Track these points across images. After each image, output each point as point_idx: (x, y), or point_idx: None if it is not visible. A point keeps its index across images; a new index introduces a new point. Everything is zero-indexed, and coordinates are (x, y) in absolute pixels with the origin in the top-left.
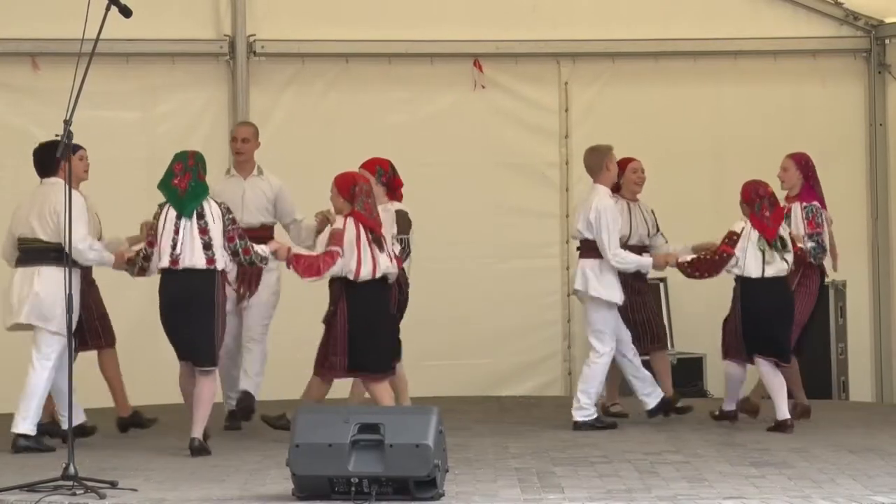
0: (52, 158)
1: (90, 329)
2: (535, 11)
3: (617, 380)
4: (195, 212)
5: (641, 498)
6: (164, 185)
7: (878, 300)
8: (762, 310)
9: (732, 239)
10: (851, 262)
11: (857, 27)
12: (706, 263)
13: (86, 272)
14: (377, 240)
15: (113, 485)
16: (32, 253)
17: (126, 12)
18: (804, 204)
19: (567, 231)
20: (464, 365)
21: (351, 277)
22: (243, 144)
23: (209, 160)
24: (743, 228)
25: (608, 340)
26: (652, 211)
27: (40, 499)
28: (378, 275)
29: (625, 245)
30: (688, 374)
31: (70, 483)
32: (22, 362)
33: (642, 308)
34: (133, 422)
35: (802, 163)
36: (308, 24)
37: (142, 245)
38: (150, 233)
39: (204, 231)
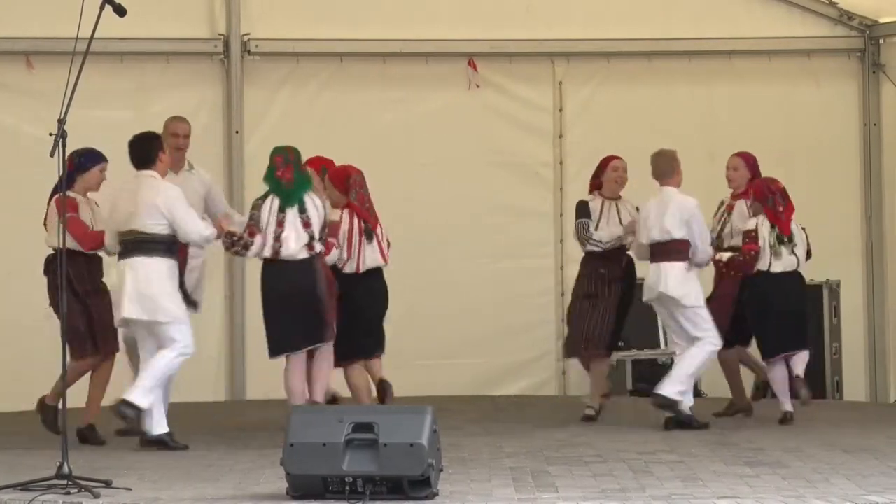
0: (149, 150)
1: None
2: (530, 11)
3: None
4: (298, 204)
5: (636, 497)
6: (269, 178)
7: (872, 300)
8: (769, 305)
9: (752, 236)
10: (845, 261)
11: (852, 27)
12: (740, 264)
13: (95, 278)
14: (368, 231)
15: (107, 484)
16: (131, 245)
17: (120, 11)
18: (748, 201)
19: (561, 230)
20: (458, 364)
21: (339, 267)
22: (185, 140)
23: (204, 160)
24: (757, 224)
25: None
26: (637, 208)
27: (34, 498)
28: (361, 270)
29: (620, 246)
30: None
31: (64, 482)
32: (16, 361)
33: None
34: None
35: (751, 162)
36: (302, 23)
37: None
38: (250, 222)
39: (307, 224)
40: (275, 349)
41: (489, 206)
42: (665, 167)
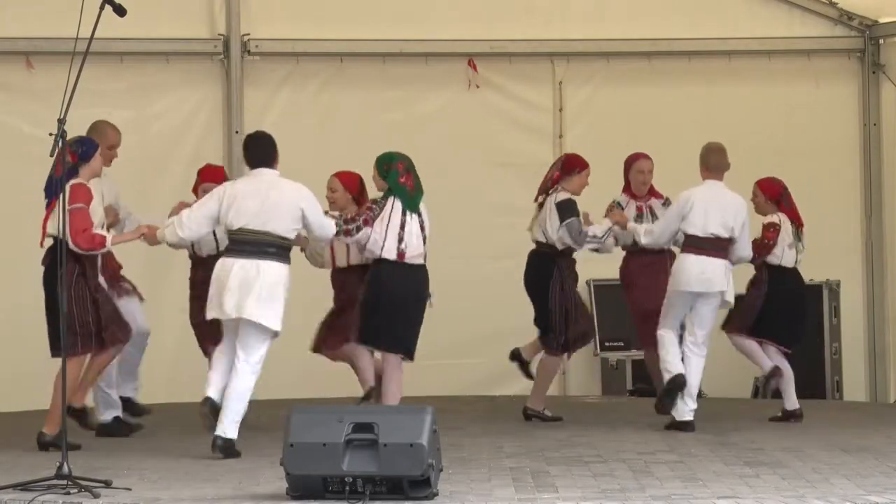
0: (274, 148)
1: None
2: (530, 11)
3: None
4: (417, 212)
5: (636, 497)
6: (393, 182)
7: (871, 299)
8: (790, 297)
9: (776, 228)
10: (845, 261)
11: (852, 27)
12: (759, 247)
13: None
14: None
15: (107, 484)
16: (253, 245)
17: (120, 11)
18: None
19: None
20: (457, 364)
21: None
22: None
23: (204, 160)
24: (780, 219)
25: None
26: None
27: (34, 498)
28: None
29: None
30: None
31: (64, 482)
32: (16, 361)
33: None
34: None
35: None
36: (302, 23)
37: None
38: (367, 213)
39: (423, 227)
40: (369, 340)
41: (489, 206)
42: (724, 163)
